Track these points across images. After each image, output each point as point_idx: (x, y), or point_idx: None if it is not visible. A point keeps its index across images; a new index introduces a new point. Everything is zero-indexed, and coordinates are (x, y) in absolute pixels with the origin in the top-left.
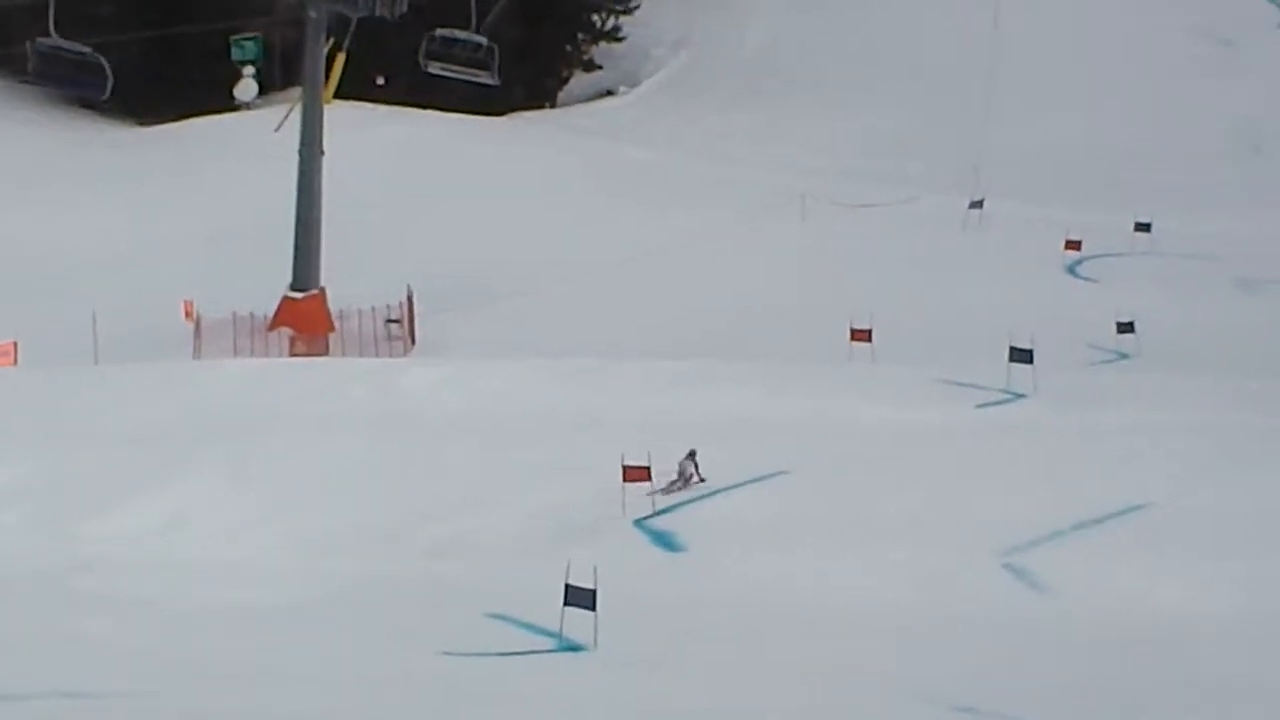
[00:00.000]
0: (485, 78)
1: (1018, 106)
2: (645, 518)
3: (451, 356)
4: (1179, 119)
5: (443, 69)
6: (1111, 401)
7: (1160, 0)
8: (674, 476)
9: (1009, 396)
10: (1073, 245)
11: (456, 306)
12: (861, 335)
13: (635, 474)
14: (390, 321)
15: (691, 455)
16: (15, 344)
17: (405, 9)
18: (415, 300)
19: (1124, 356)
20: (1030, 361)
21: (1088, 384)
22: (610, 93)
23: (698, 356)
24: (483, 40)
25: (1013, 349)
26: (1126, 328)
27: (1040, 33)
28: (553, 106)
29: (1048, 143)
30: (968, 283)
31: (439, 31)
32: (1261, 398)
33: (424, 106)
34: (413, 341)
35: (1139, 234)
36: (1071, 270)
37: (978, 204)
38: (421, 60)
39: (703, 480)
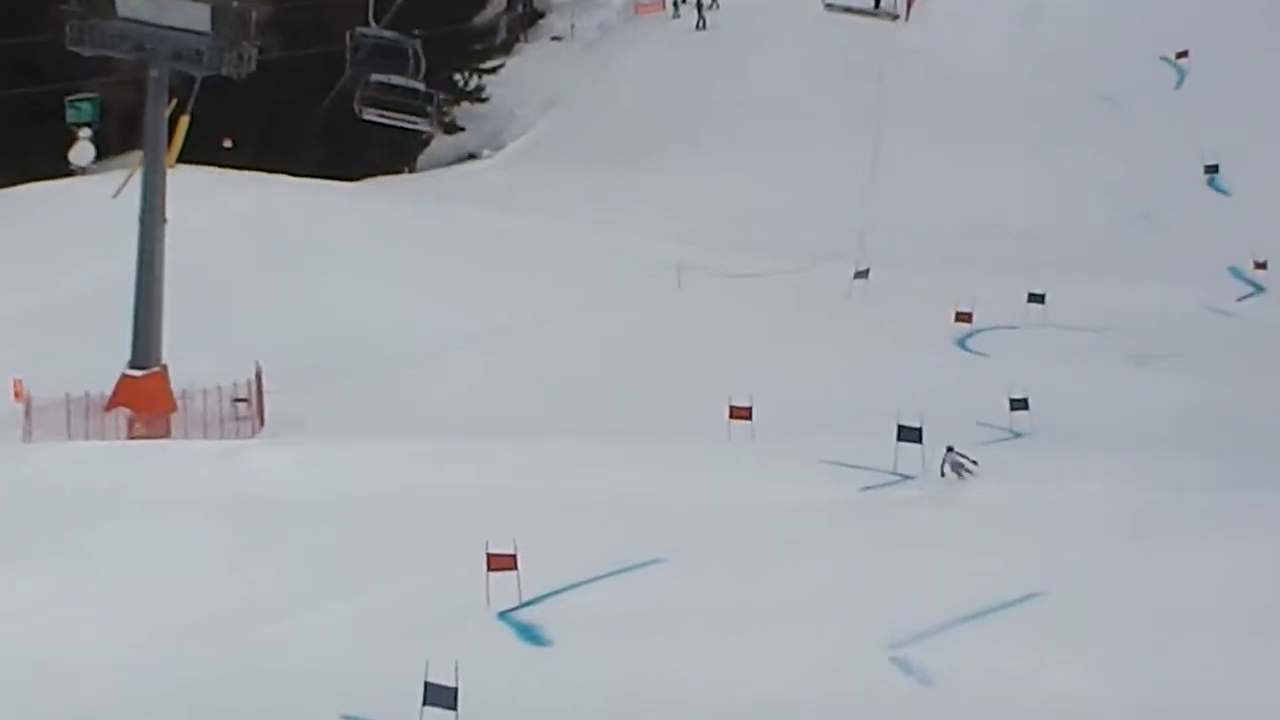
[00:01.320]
0: (423, 124)
1: (905, 172)
2: (511, 610)
3: (303, 437)
4: (1069, 185)
5: (379, 115)
6: (1005, 482)
7: (1056, 62)
8: (948, 470)
9: (897, 478)
10: (963, 317)
11: (310, 384)
12: (741, 413)
13: (501, 562)
14: (237, 400)
15: (950, 449)
16: None
17: (253, 68)
18: (265, 378)
19: (1017, 435)
20: (919, 441)
21: (982, 462)
22: (474, 156)
23: (569, 435)
24: (420, 86)
25: (901, 427)
26: (1020, 404)
27: (929, 95)
28: (412, 171)
29: (936, 209)
30: (853, 357)
31: (375, 77)
32: (1161, 474)
33: (274, 171)
34: (261, 422)
35: (1032, 305)
36: (962, 344)
37: (863, 273)
38: (357, 106)
39: (974, 465)
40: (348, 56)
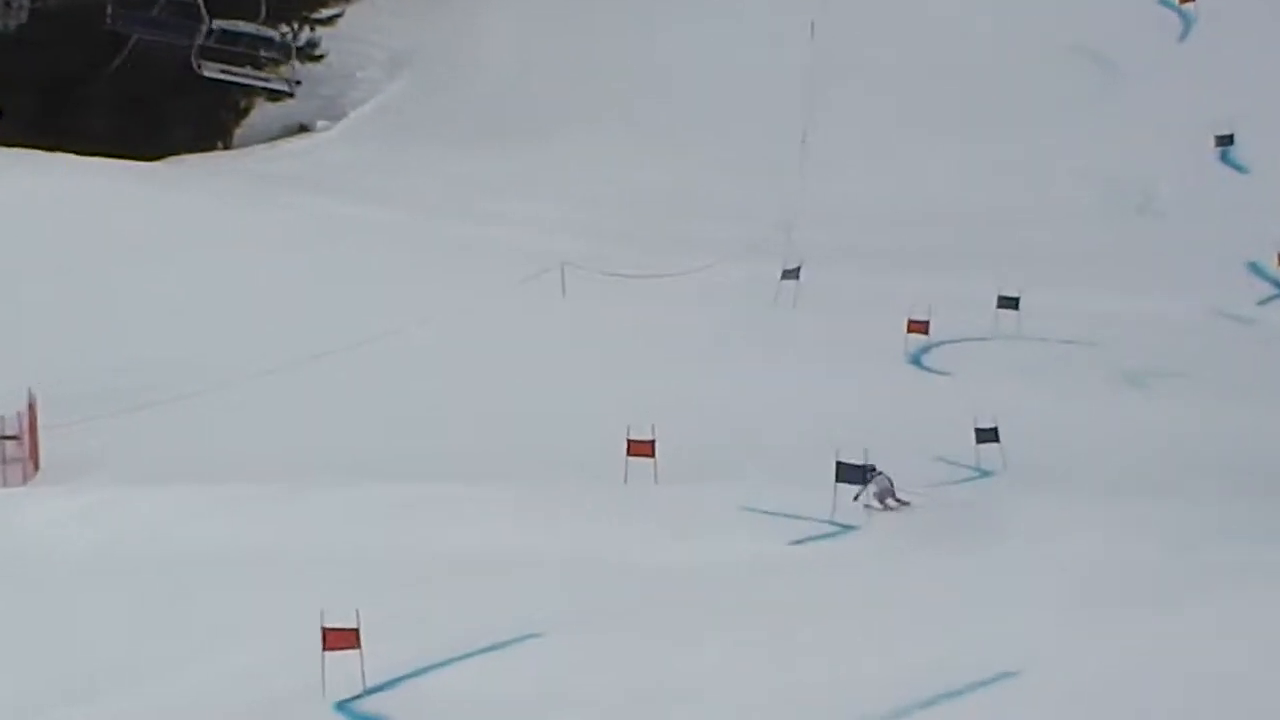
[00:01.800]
0: (278, 84)
1: (844, 148)
2: (352, 699)
3: (88, 482)
4: (1048, 163)
5: (223, 72)
6: (969, 533)
7: (1029, 10)
8: (870, 500)
9: (835, 529)
10: (918, 327)
11: (96, 416)
12: (642, 448)
13: (339, 639)
14: (5, 438)
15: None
16: None
17: (24, 19)
18: (40, 409)
19: (985, 474)
20: (864, 481)
21: (938, 509)
22: (306, 128)
23: (425, 477)
24: (274, 34)
25: (840, 465)
26: (988, 435)
27: (872, 54)
28: (228, 147)
29: (883, 193)
30: (781, 377)
31: (217, 23)
32: (1159, 524)
33: (54, 148)
34: (36, 465)
35: (1004, 311)
36: (916, 360)
37: (792, 273)
38: (194, 61)
39: (905, 503)
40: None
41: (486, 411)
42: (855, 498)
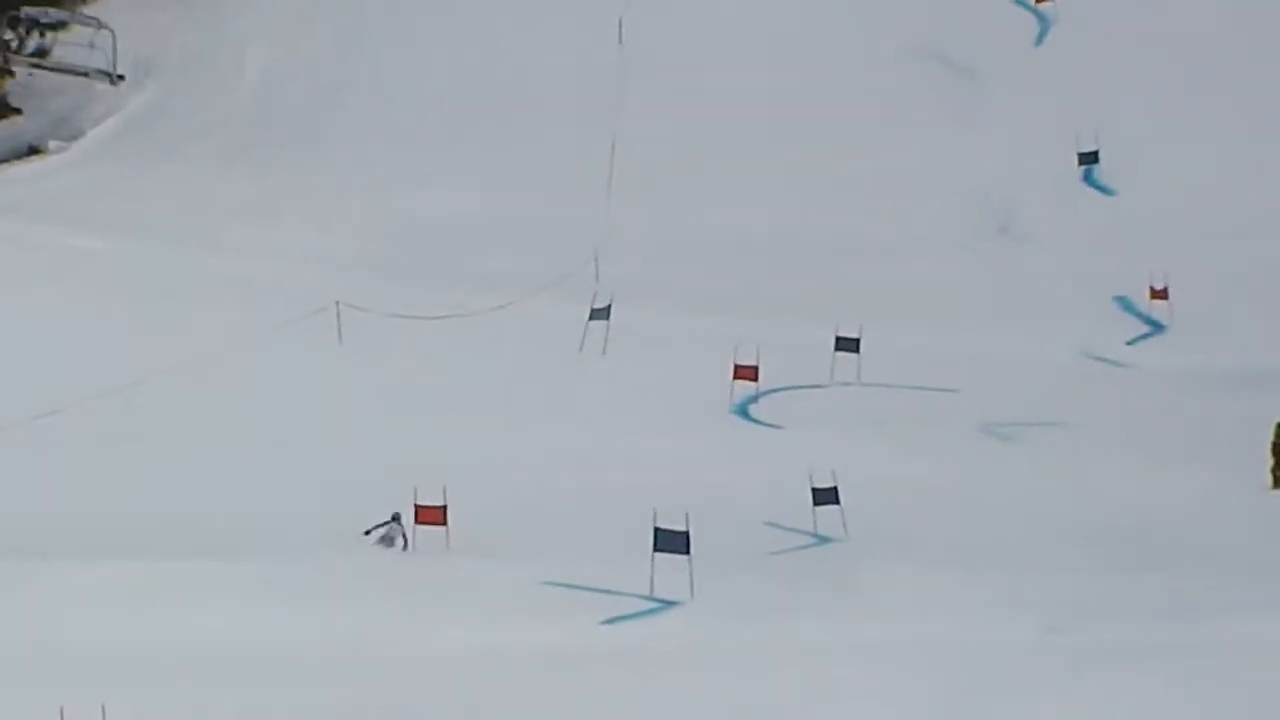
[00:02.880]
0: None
1: (660, 169)
2: None
3: None
4: (893, 184)
5: (36, 64)
6: (807, 612)
7: (872, 10)
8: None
9: (655, 605)
10: (745, 373)
11: None
12: (431, 515)
13: None
14: None
15: (396, 518)
16: None
17: None
18: None
19: (823, 540)
20: (685, 551)
21: (770, 584)
22: (37, 150)
23: (171, 554)
24: (95, 20)
25: (658, 532)
26: (826, 496)
27: (692, 63)
28: None
29: (705, 220)
30: (588, 433)
31: (26, 10)
32: (1027, 602)
33: None
34: None
35: (843, 354)
36: (743, 411)
37: (602, 312)
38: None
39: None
40: None
41: (246, 476)
42: (368, 531)
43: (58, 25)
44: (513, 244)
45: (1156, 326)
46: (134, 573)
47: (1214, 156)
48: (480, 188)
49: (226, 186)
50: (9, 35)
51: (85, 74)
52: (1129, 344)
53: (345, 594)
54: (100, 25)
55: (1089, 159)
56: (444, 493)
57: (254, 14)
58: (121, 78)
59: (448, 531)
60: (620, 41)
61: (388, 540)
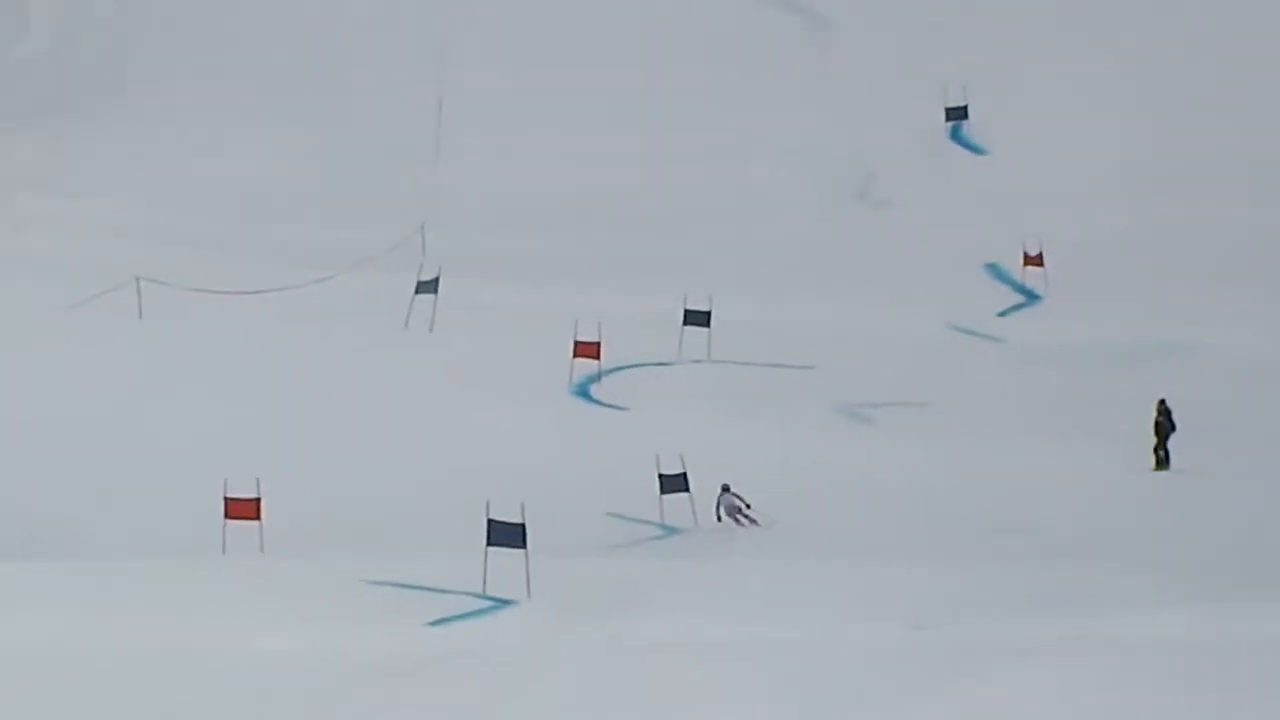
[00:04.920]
0: None
1: (491, 128)
2: None
3: None
4: (745, 144)
5: None
6: (651, 610)
7: None
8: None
9: (487, 604)
10: (586, 350)
11: None
12: (243, 508)
13: None
14: None
15: (726, 489)
16: None
17: None
18: None
19: (671, 531)
20: (521, 545)
21: (613, 580)
22: None
23: None
24: None
25: (492, 525)
26: (675, 484)
27: (524, 14)
28: None
29: (539, 183)
30: (416, 417)
31: None
32: (893, 597)
33: None
34: None
35: (692, 329)
36: (584, 391)
37: (429, 285)
38: None
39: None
40: None
41: (39, 471)
42: (717, 517)
43: None
44: (333, 210)
45: (1030, 296)
46: None
47: (1092, 110)
48: (293, 150)
49: (11, 152)
50: None
51: None
52: (1000, 315)
53: (152, 599)
54: None
55: (957, 114)
56: (257, 485)
57: None
58: None
59: (261, 527)
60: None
61: (731, 513)
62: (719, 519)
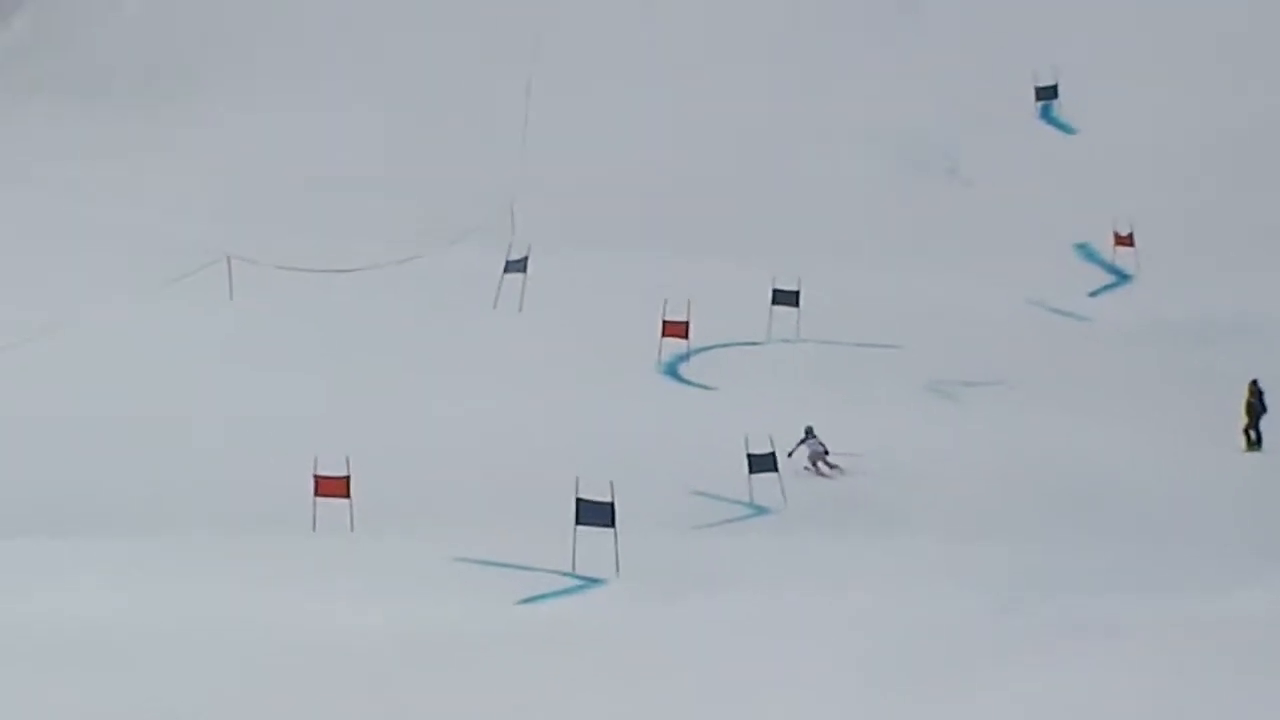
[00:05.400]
0: None
1: (577, 108)
2: None
3: None
4: (831, 121)
5: None
6: (740, 588)
7: None
8: (805, 463)
9: (578, 583)
10: (675, 329)
11: None
12: (333, 487)
13: None
14: None
15: (810, 433)
16: None
17: None
18: None
19: (760, 510)
20: (610, 524)
21: (701, 559)
22: None
23: (59, 530)
24: None
25: (580, 503)
26: (763, 463)
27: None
28: None
29: (626, 160)
30: (505, 396)
31: None
32: (977, 573)
33: None
34: None
35: (780, 308)
36: (673, 370)
37: (518, 264)
38: None
39: (832, 465)
40: None
41: (134, 446)
42: (789, 454)
43: None
44: (420, 187)
45: (1121, 276)
46: (10, 551)
47: (1182, 92)
48: (385, 130)
49: (99, 126)
50: None
51: None
52: (1092, 296)
53: (243, 575)
54: None
55: (1047, 94)
56: (346, 463)
57: None
58: None
59: (351, 505)
60: None
61: (814, 459)
62: (804, 466)
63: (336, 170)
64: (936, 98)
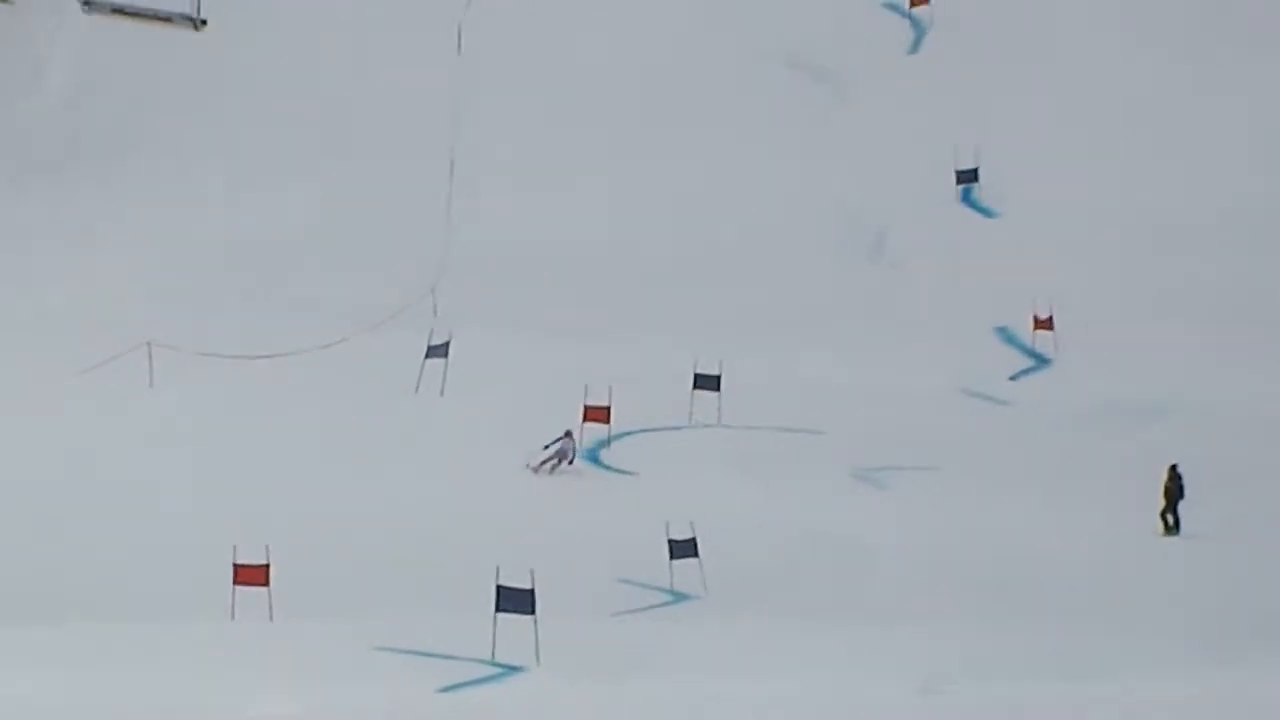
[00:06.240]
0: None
1: (504, 181)
2: None
3: None
4: (757, 200)
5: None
6: (661, 675)
7: (730, 13)
8: (550, 455)
9: (498, 671)
10: (596, 414)
11: None
12: (252, 574)
13: None
14: None
15: (569, 434)
16: None
17: None
18: None
19: (681, 597)
20: (531, 611)
21: (623, 646)
22: None
23: None
24: None
25: (501, 591)
26: (684, 549)
27: (537, 70)
28: None
29: (551, 244)
30: (425, 481)
31: None
32: (906, 658)
33: None
34: None
35: (702, 392)
36: (594, 456)
37: (440, 349)
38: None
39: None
40: None
41: (45, 536)
42: (545, 447)
43: None
44: (343, 268)
45: (1040, 360)
46: None
47: (1103, 176)
48: (305, 207)
49: (18, 205)
50: None
51: (168, 19)
52: (1011, 379)
53: (160, 664)
54: None
55: (968, 177)
56: (266, 551)
57: (55, 24)
58: (204, 22)
59: (270, 593)
60: (459, 51)
61: (560, 456)
62: (536, 464)
63: (259, 253)
64: (860, 180)
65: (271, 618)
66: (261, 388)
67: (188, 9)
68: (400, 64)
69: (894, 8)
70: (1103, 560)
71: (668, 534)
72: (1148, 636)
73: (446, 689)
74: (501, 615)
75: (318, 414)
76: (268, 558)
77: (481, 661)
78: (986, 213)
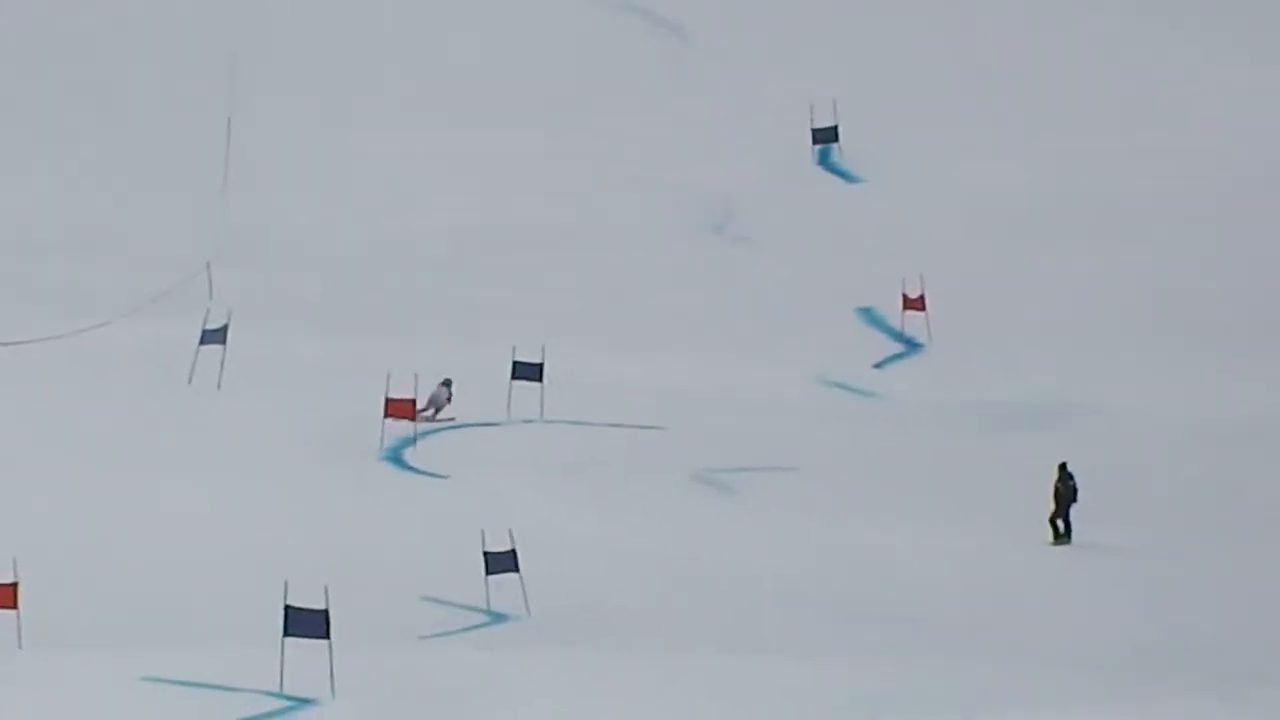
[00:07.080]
0: None
1: (286, 155)
2: None
3: None
4: (589, 170)
5: None
6: (475, 707)
7: None
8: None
9: (287, 704)
10: (400, 408)
11: None
12: None
13: None
14: None
15: (447, 384)
16: None
17: None
18: None
19: (498, 618)
20: (325, 635)
21: (431, 675)
22: None
23: None
24: None
25: (289, 611)
26: (503, 563)
27: (327, 29)
28: None
29: (342, 222)
30: (198, 487)
31: None
32: (757, 694)
33: None
34: None
35: (522, 383)
36: (396, 457)
37: (217, 334)
38: None
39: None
40: None
41: None
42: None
43: None
44: (108, 247)
45: (910, 345)
46: None
47: (981, 137)
48: (65, 178)
49: None
50: None
51: None
52: (876, 367)
53: None
54: None
55: (826, 136)
56: (14, 567)
57: None
58: None
59: (19, 617)
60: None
61: (432, 404)
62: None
63: (40, 235)
64: (705, 143)
65: (20, 645)
66: (9, 379)
67: None
68: (170, 14)
69: None
70: (987, 577)
71: (483, 545)
72: (1037, 665)
73: None
74: (290, 640)
75: (76, 409)
76: (16, 574)
77: (268, 694)
78: (847, 177)
